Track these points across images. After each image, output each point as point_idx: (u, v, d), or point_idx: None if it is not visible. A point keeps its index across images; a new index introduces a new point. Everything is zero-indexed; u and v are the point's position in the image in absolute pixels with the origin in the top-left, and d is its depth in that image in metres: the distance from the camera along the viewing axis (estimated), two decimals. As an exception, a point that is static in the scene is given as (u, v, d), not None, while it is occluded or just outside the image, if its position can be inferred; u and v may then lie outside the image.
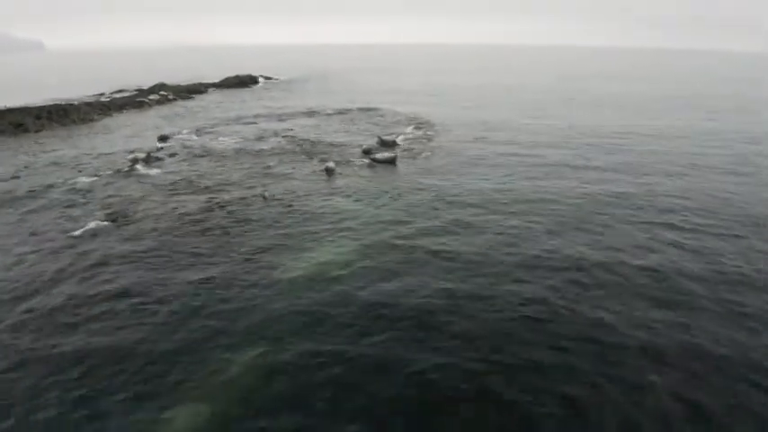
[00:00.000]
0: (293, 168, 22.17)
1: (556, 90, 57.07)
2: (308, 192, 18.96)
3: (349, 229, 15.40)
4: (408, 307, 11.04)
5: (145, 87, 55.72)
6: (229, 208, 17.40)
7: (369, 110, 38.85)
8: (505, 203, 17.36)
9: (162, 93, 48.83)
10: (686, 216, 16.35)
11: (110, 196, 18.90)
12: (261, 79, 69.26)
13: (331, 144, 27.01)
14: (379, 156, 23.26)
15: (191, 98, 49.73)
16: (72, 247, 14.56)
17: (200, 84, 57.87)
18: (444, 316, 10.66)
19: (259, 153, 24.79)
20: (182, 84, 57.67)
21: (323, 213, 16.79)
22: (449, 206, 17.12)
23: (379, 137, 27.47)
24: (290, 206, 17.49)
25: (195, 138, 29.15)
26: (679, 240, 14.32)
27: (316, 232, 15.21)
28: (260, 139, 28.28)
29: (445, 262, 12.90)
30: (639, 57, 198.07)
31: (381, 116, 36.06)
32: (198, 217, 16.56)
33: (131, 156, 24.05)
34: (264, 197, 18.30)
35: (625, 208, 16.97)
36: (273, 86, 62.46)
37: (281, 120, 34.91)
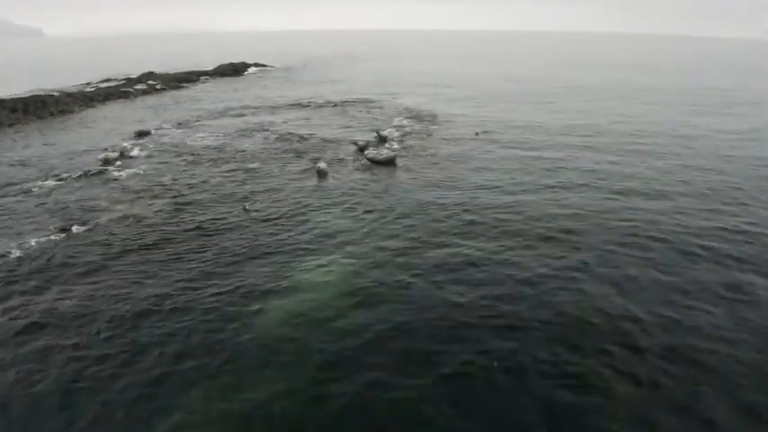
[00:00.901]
0: (280, 170, 19.60)
1: (561, 79, 53.97)
2: (296, 201, 16.41)
3: (340, 251, 12.92)
4: (409, 359, 8.66)
5: (134, 76, 52.76)
6: (202, 220, 14.90)
7: (367, 101, 36.05)
8: (520, 222, 14.78)
9: (150, 82, 45.92)
10: (745, 245, 13.88)
11: (69, 204, 16.36)
12: (254, 68, 66.14)
13: (324, 140, 24.38)
14: (376, 156, 20.68)
15: (181, 87, 46.84)
16: (10, 264, 12.13)
17: (192, 72, 54.88)
18: (455, 379, 8.26)
19: (243, 152, 22.16)
20: (172, 72, 54.66)
21: (310, 231, 14.26)
22: (456, 225, 14.51)
23: (376, 131, 24.86)
24: (273, 220, 14.96)
25: (176, 133, 26.50)
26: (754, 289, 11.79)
27: (300, 257, 12.73)
28: (246, 134, 25.62)
29: (451, 308, 10.41)
30: (643, 43, 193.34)
31: (380, 107, 33.32)
32: (162, 233, 14.05)
33: (102, 155, 21.45)
34: (245, 209, 15.77)
35: (670, 233, 14.23)
36: (268, 75, 59.44)
37: (271, 112, 32.14)
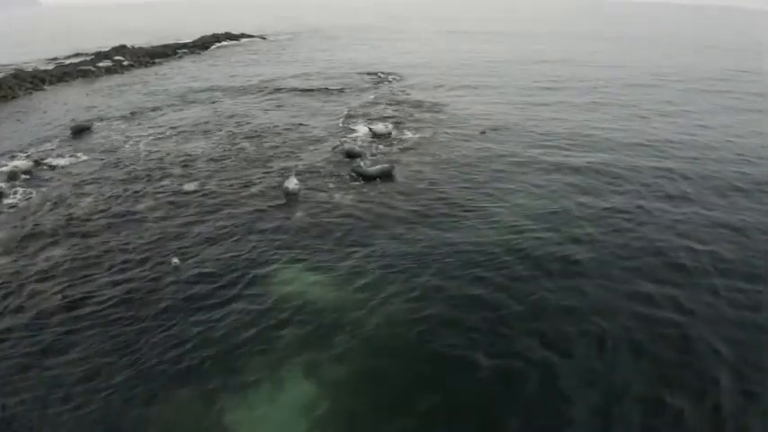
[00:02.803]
0: (237, 190, 14.14)
1: (591, 60, 47.27)
2: (250, 245, 11.11)
3: (307, 350, 8.02)
4: None
5: (107, 49, 46.18)
6: (103, 293, 9.67)
7: (360, 86, 29.57)
8: (569, 284, 9.60)
9: (117, 58, 39.56)
10: None
11: None
12: (243, 38, 59.13)
13: (301, 138, 18.78)
14: (368, 168, 15.23)
15: (152, 64, 40.45)
16: None
17: (168, 45, 48.15)
18: None
19: (194, 160, 16.51)
20: (147, 46, 47.95)
21: (264, 304, 9.20)
22: (486, 286, 9.37)
23: (369, 128, 19.26)
24: (212, 286, 9.76)
25: (122, 128, 20.80)
26: None
27: (242, 367, 7.81)
28: (205, 130, 19.83)
29: None
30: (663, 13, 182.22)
31: (375, 94, 27.21)
32: (29, 317, 8.87)
33: (10, 167, 15.94)
34: (175, 265, 10.49)
35: None
36: (254, 47, 52.62)
37: (243, 98, 25.99)
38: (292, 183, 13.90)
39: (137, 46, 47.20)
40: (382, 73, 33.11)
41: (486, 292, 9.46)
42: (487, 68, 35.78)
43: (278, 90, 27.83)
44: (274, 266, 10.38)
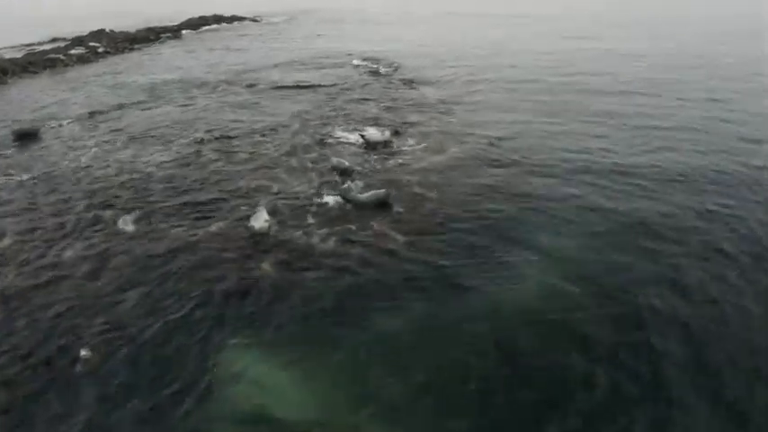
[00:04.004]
0: (188, 227, 10.88)
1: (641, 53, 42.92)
2: (192, 330, 7.92)
3: None
4: None
5: (86, 34, 42.17)
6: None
7: (356, 81, 25.79)
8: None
9: (92, 44, 35.75)
10: None
11: None
12: (234, 21, 54.88)
13: (281, 148, 15.38)
14: (358, 194, 11.97)
15: (131, 50, 36.67)
16: None
17: (151, 29, 44.12)
18: None
19: (145, 179, 13.10)
20: (132, 29, 43.88)
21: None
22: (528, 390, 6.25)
23: (362, 135, 15.91)
24: (136, 407, 6.64)
25: (73, 133, 17.39)
26: None
27: None
28: (167, 139, 16.32)
29: None
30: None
31: (373, 87, 23.63)
32: None
33: None
34: (84, 358, 7.37)
35: None
36: (244, 31, 48.46)
37: (219, 92, 22.34)
38: (261, 219, 10.66)
39: (119, 30, 43.29)
40: (381, 62, 29.20)
41: (527, 401, 6.39)
42: (496, 57, 31.65)
43: (261, 84, 24.12)
44: (227, 361, 7.25)
